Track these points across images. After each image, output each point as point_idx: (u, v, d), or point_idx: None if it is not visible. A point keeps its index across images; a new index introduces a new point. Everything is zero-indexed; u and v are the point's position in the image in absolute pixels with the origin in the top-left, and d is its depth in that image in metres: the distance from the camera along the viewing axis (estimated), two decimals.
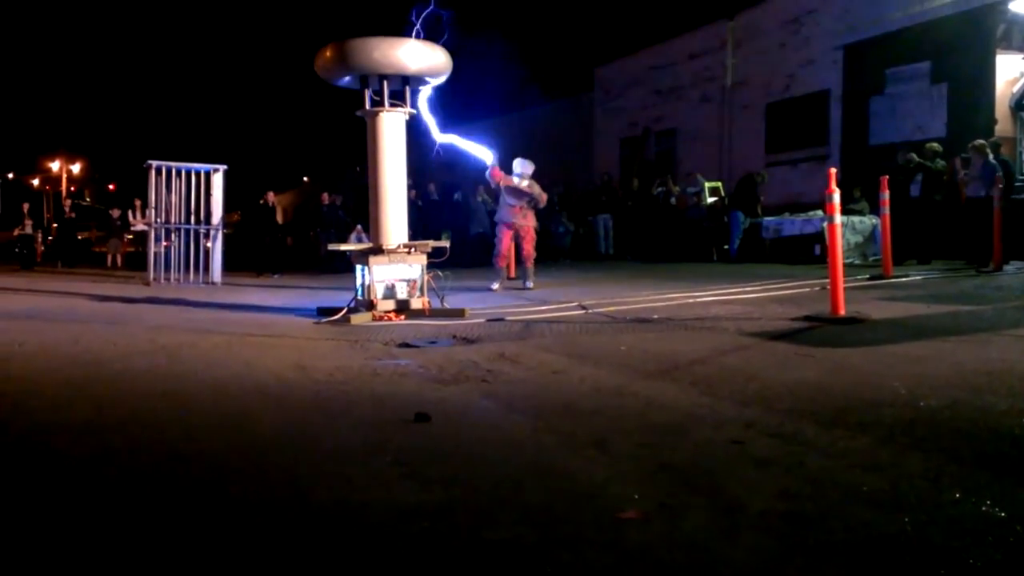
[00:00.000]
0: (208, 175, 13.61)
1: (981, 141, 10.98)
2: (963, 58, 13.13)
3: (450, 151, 8.31)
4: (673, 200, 16.90)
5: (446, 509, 2.26)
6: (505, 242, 9.88)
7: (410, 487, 2.46)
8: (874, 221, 12.47)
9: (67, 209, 21.18)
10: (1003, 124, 12.90)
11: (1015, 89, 13.15)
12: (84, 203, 24.17)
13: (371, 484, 2.50)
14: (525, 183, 9.78)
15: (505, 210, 9.92)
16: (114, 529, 2.20)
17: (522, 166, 9.81)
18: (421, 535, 2.09)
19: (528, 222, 9.88)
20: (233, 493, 2.47)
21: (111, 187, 50.46)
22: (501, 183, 9.78)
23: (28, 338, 6.01)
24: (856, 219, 13.10)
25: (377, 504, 2.32)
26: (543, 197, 10.06)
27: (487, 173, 9.70)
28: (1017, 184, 11.75)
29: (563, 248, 17.96)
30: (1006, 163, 11.04)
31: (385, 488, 2.47)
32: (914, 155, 11.86)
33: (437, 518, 2.19)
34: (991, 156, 10.78)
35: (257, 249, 15.77)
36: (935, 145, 11.92)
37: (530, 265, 9.93)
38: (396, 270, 7.17)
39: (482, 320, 6.65)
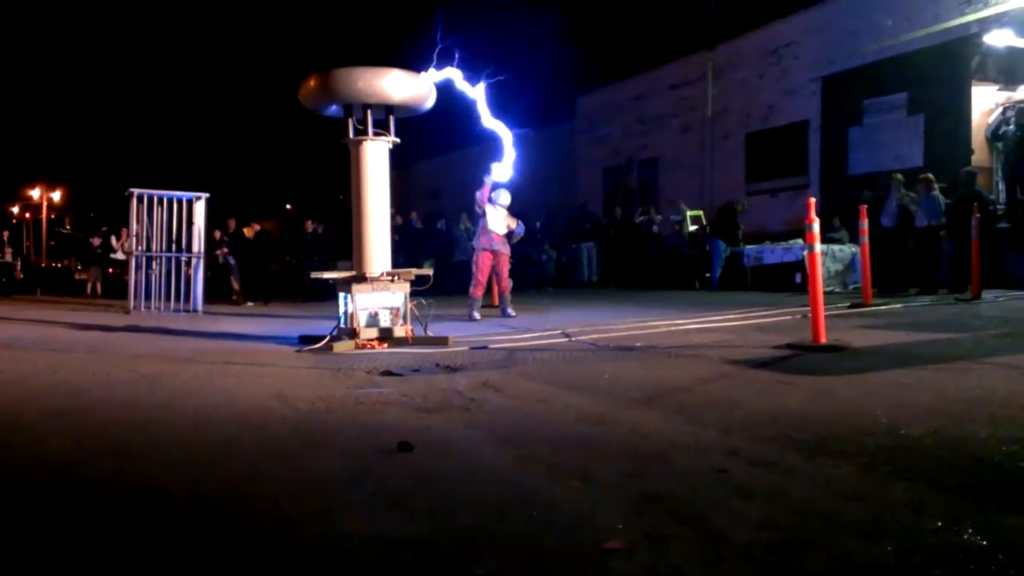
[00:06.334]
0: (190, 203, 13.57)
1: (929, 175, 11.34)
2: (939, 89, 13.36)
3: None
4: (656, 228, 17.03)
5: (430, 541, 2.24)
6: (485, 269, 9.76)
7: (394, 518, 2.44)
8: (853, 250, 12.60)
9: (60, 230, 21.12)
10: (979, 154, 13.10)
11: (991, 119, 13.38)
12: (64, 231, 23.98)
13: (354, 515, 2.48)
14: (504, 214, 9.83)
15: (490, 236, 9.79)
16: (92, 564, 2.16)
17: (505, 198, 9.81)
18: (406, 568, 2.06)
19: (507, 250, 9.91)
20: (213, 524, 2.44)
21: (92, 215, 50.22)
22: (486, 207, 9.73)
23: (5, 367, 5.93)
24: (836, 248, 13.24)
25: (360, 536, 2.30)
26: (520, 236, 10.12)
27: (480, 191, 9.66)
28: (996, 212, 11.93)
29: (547, 276, 18.01)
30: (979, 193, 11.20)
31: (368, 519, 2.44)
32: (869, 192, 12.27)
33: (421, 550, 2.17)
34: (936, 190, 11.12)
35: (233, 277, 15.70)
36: (898, 175, 12.14)
37: (507, 293, 9.95)
38: (379, 298, 7.15)
39: (465, 348, 6.64)
